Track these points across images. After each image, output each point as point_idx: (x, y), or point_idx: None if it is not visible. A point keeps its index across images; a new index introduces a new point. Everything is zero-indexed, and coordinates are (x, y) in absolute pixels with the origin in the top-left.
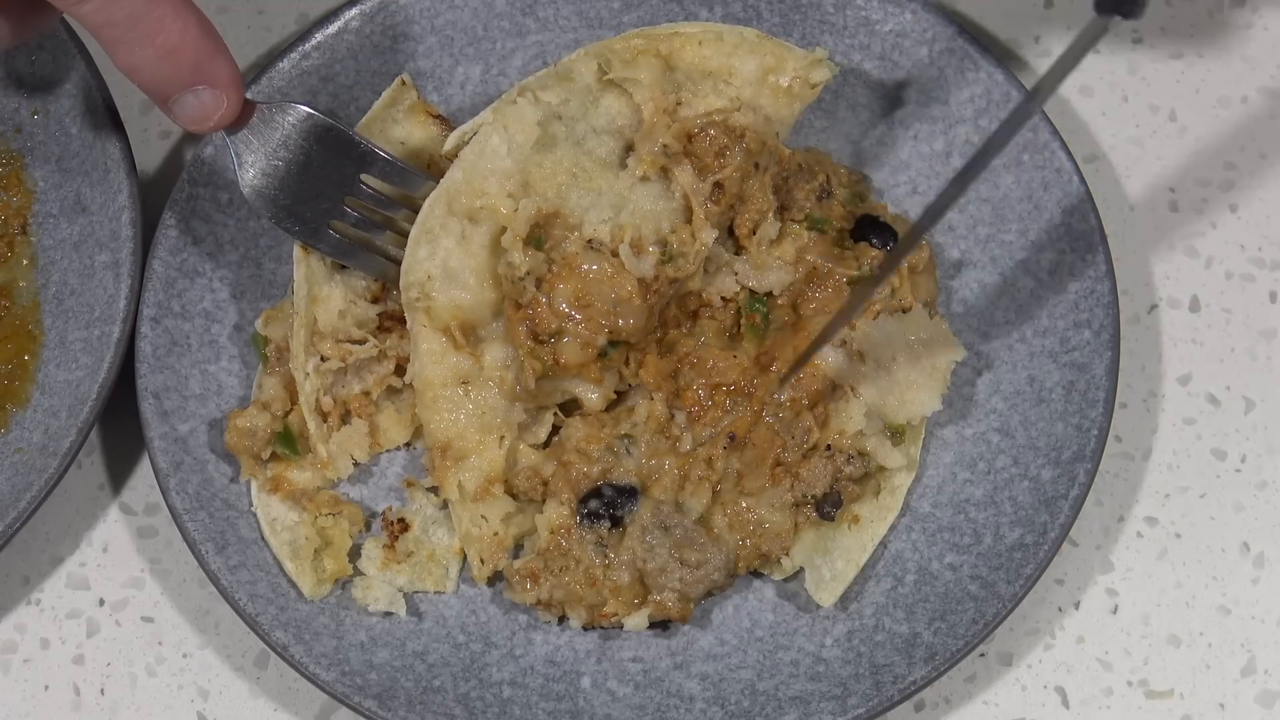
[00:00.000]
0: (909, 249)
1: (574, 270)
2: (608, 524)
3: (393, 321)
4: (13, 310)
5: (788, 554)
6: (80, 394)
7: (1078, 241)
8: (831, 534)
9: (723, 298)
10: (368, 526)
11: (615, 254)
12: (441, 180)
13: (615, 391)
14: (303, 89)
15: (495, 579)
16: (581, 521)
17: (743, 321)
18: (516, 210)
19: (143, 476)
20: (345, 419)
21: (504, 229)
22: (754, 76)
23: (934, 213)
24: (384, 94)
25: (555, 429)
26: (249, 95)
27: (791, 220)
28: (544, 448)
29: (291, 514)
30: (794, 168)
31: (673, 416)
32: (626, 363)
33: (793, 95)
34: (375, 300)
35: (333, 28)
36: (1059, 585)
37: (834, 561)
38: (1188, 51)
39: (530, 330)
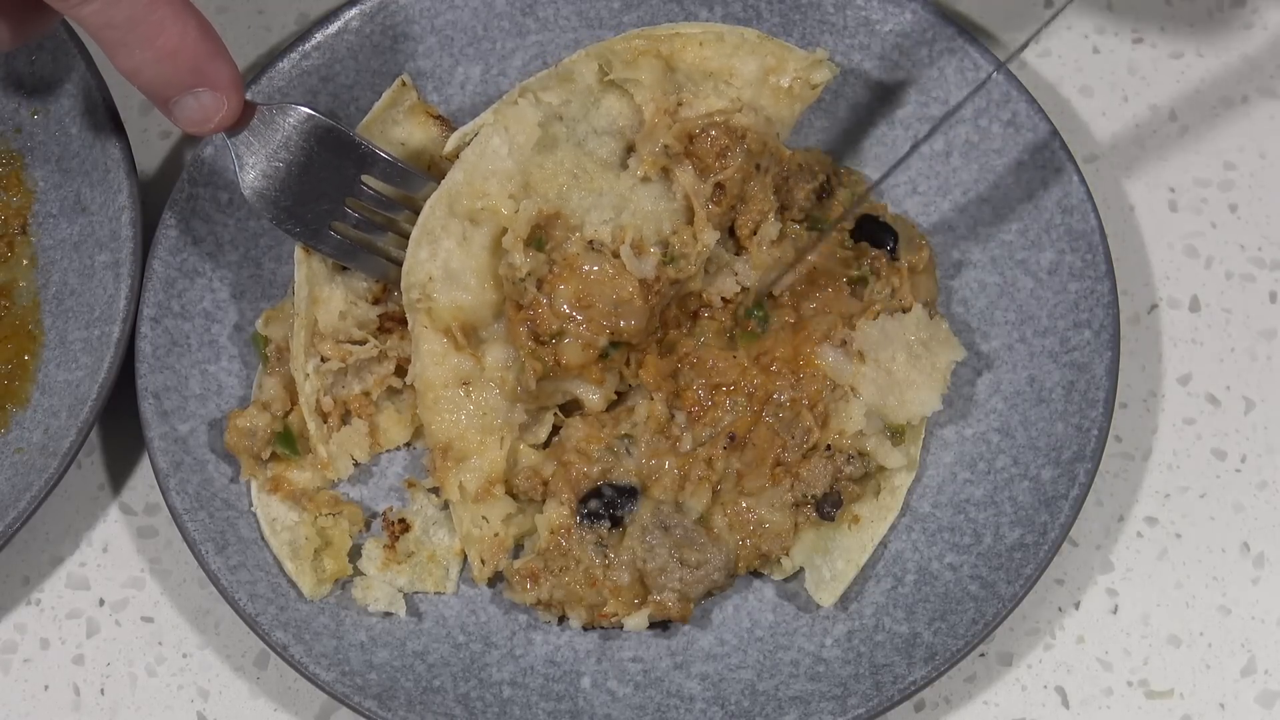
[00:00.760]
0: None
1: (575, 271)
2: (608, 524)
3: (393, 322)
4: (13, 310)
5: (788, 554)
6: (80, 394)
7: (1078, 241)
8: (831, 534)
9: (723, 298)
10: (368, 526)
11: (616, 255)
12: (442, 181)
13: (615, 392)
14: (303, 89)
15: (496, 579)
16: (581, 521)
17: (737, 327)
18: (518, 211)
19: (143, 476)
20: (345, 419)
21: (505, 230)
22: (755, 77)
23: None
24: (384, 95)
25: (555, 429)
26: (249, 96)
27: (791, 220)
28: (544, 448)
29: (291, 514)
30: (794, 168)
31: (673, 416)
32: (627, 363)
33: (793, 96)
34: (376, 301)
35: (333, 28)
36: (1059, 585)
37: (834, 561)
38: (1188, 51)
39: (531, 331)
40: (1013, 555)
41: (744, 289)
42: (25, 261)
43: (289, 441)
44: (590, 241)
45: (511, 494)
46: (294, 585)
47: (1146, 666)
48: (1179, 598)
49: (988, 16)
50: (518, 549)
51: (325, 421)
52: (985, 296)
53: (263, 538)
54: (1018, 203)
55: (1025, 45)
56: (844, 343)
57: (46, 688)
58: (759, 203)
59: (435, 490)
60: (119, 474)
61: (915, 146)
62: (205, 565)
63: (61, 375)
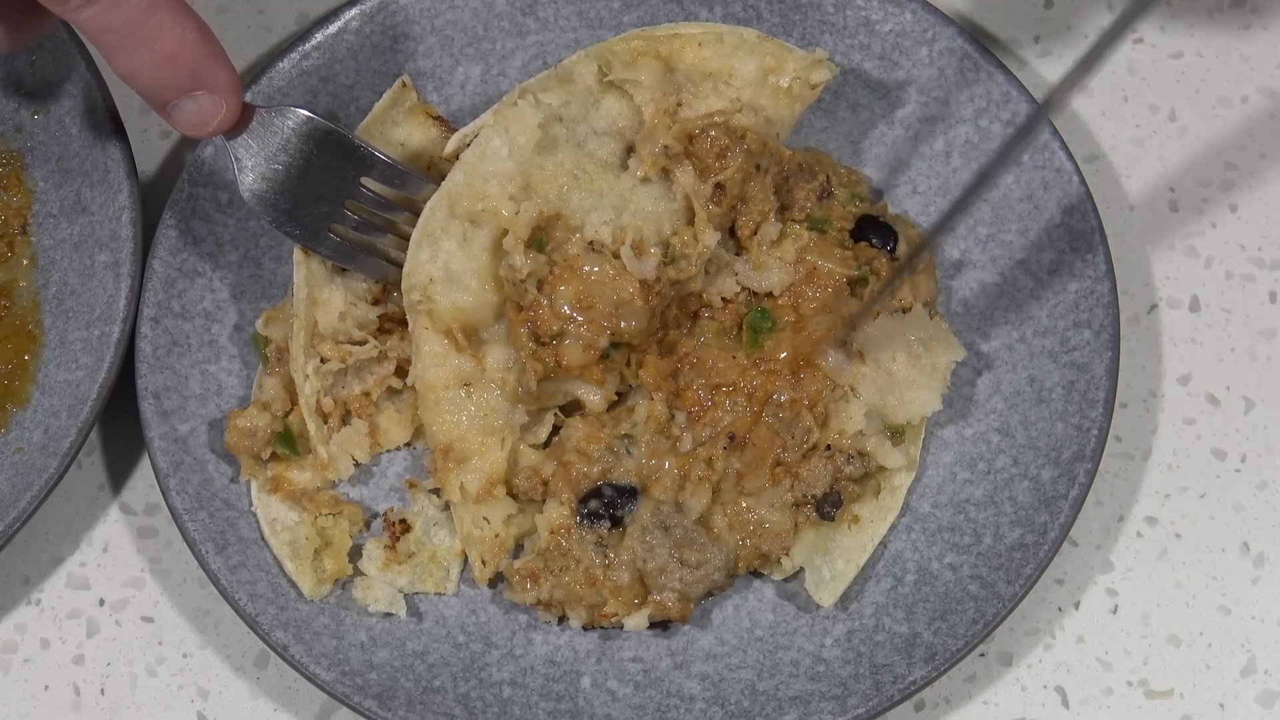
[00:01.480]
0: (918, 256)
1: (576, 272)
2: (608, 524)
3: (393, 323)
4: (13, 310)
5: (788, 554)
6: (80, 394)
7: (1078, 241)
8: (831, 534)
9: (723, 298)
10: (368, 526)
11: (617, 256)
12: (443, 183)
13: (616, 392)
14: (303, 89)
15: (496, 580)
16: (581, 521)
17: (744, 329)
18: (518, 213)
19: (143, 476)
20: (345, 420)
21: (505, 231)
22: (754, 77)
23: (949, 218)
24: (384, 96)
25: (555, 429)
26: (249, 96)
27: (792, 220)
28: (544, 448)
29: (291, 514)
30: (794, 168)
31: (673, 416)
32: (628, 364)
33: (793, 96)
34: (376, 302)
35: (333, 28)
36: (1059, 585)
37: (834, 561)
38: (1188, 51)
39: (532, 332)
40: (1013, 555)
41: (744, 289)
42: (25, 261)
43: (289, 442)
44: (591, 242)
45: (512, 494)
46: (294, 585)
47: (1146, 666)
48: (1179, 598)
49: (988, 16)
50: (518, 549)
51: (325, 422)
52: (985, 296)
53: (263, 538)
54: (1018, 203)
55: (1076, 80)
56: (844, 342)
57: (46, 688)
58: (759, 203)
59: (436, 491)
60: (119, 474)
61: (967, 196)
62: (205, 565)
63: (61, 375)
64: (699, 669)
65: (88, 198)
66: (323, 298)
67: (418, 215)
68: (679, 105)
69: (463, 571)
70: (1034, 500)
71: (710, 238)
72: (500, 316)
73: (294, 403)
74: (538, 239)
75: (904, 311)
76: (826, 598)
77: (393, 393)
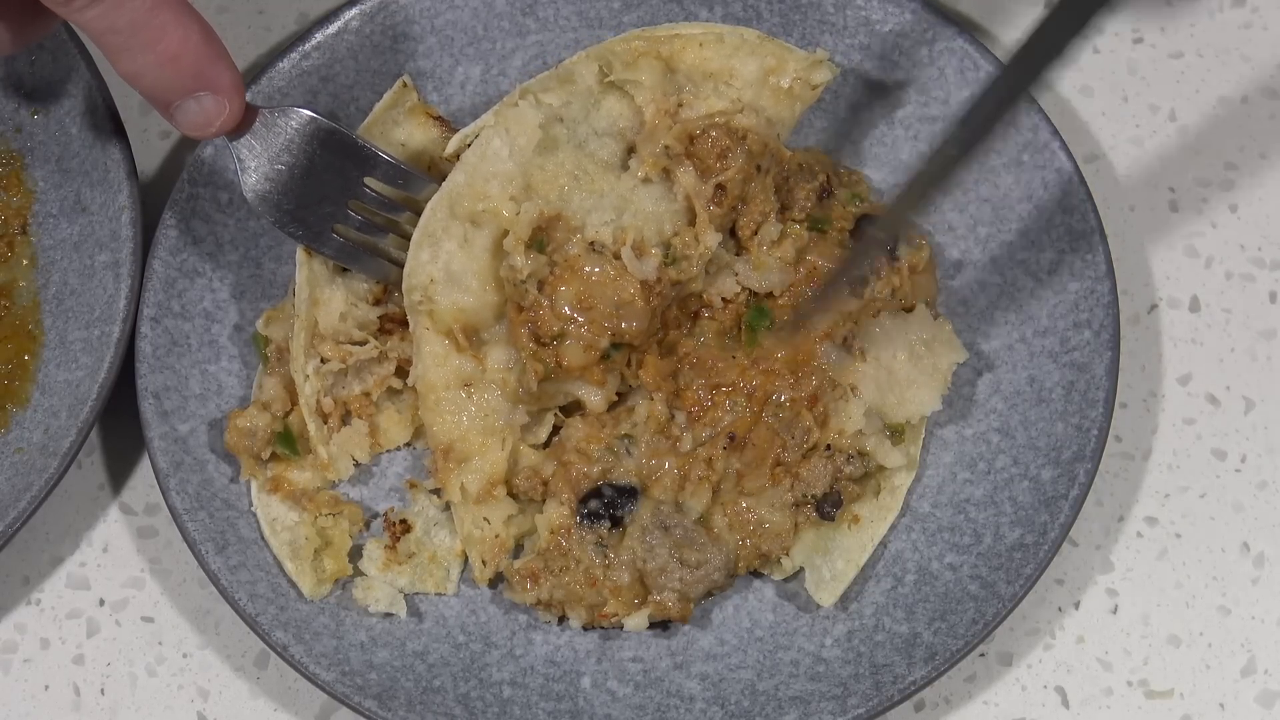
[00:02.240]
0: (883, 231)
1: (576, 273)
2: (608, 524)
3: (393, 323)
4: (13, 310)
5: (788, 554)
6: (80, 394)
7: (1078, 241)
8: (831, 534)
9: (723, 298)
10: (368, 526)
11: (618, 256)
12: (444, 183)
13: (616, 392)
14: (303, 89)
15: (496, 580)
16: (581, 521)
17: (743, 328)
18: (519, 213)
19: (143, 476)
20: (346, 420)
21: (506, 232)
22: (755, 78)
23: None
24: (385, 96)
25: (555, 429)
26: (249, 97)
27: (792, 220)
28: (544, 448)
29: (291, 514)
30: (794, 168)
31: (673, 416)
32: (628, 364)
33: (794, 96)
34: (376, 302)
35: (333, 28)
36: (1059, 585)
37: (834, 561)
38: (1188, 51)
39: (533, 333)
40: (1013, 555)
41: (744, 289)
42: (25, 261)
43: (289, 442)
44: (591, 243)
45: (512, 494)
46: (294, 585)
47: (1146, 666)
48: (1179, 598)
49: (988, 16)
50: (518, 549)
51: (325, 422)
52: (985, 296)
53: (263, 538)
54: (1018, 203)
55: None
56: (845, 340)
57: (46, 688)
58: (760, 203)
59: (436, 491)
60: (119, 474)
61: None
62: (205, 565)
63: (61, 375)
64: (699, 669)
65: (88, 198)
66: (324, 298)
67: (420, 215)
68: (680, 106)
69: (463, 572)
70: (1034, 500)
71: (711, 238)
72: (501, 317)
73: (294, 403)
74: (538, 240)
75: (906, 311)
76: (826, 598)
77: (393, 393)
